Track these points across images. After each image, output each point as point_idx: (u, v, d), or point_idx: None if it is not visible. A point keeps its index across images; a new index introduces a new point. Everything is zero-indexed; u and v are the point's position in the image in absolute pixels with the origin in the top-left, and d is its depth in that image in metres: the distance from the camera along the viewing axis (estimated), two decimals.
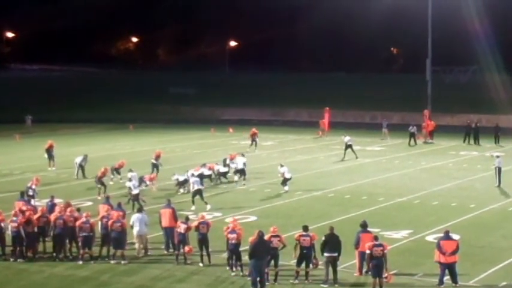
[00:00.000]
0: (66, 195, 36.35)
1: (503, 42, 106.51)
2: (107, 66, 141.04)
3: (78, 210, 28.63)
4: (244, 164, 42.23)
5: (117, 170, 41.96)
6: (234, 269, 25.05)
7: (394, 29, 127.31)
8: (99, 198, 36.14)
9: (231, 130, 64.53)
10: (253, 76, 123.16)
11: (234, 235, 24.90)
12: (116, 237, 26.59)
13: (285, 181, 39.50)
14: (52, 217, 27.39)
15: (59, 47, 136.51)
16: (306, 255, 24.14)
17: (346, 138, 52.08)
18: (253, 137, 56.54)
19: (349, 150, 51.40)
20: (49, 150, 48.55)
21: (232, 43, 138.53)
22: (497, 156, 42.54)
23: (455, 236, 25.34)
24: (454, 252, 23.43)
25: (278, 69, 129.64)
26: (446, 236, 23.90)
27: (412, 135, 60.07)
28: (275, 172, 42.09)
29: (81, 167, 43.74)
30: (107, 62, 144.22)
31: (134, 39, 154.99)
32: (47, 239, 27.69)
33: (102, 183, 38.26)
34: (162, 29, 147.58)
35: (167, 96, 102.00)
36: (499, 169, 41.14)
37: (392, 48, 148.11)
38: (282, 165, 40.33)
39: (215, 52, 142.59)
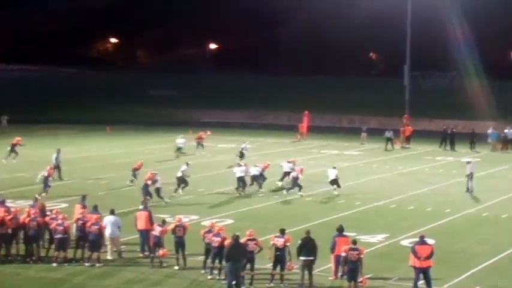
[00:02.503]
0: (43, 196, 36.15)
1: (482, 49, 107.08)
2: (86, 67, 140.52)
3: (50, 211, 28.54)
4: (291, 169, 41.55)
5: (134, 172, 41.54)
6: (214, 272, 25.01)
7: (373, 34, 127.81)
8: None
9: (209, 132, 64.34)
10: (233, 79, 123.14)
11: (219, 239, 24.89)
12: (93, 240, 26.49)
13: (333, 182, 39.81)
14: (26, 219, 27.18)
15: (38, 48, 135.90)
16: (279, 257, 24.18)
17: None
18: (199, 141, 57.35)
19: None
20: (14, 146, 48.91)
21: (213, 46, 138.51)
22: (468, 162, 42.67)
23: (430, 241, 25.48)
24: (428, 257, 23.53)
25: (258, 72, 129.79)
26: (422, 241, 24.01)
27: (388, 140, 60.29)
28: None
29: (58, 167, 43.50)
30: (86, 63, 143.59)
31: (114, 41, 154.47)
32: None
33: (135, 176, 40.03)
34: (142, 30, 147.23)
35: (146, 98, 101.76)
36: (471, 175, 41.34)
37: (371, 53, 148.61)
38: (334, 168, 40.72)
39: (195, 54, 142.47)
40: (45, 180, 38.28)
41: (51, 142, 61.77)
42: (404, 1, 70.01)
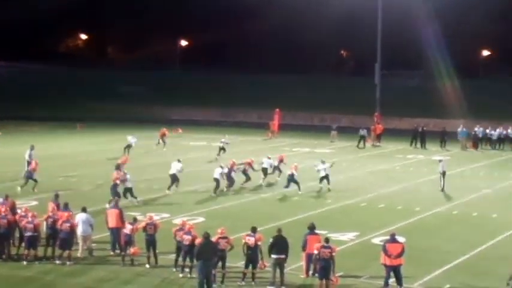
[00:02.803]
0: (12, 194, 35.82)
1: (453, 47, 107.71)
2: (55, 63, 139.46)
3: (20, 209, 28.34)
4: (271, 166, 42.77)
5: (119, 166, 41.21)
6: (185, 270, 24.94)
7: (344, 32, 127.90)
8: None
9: (180, 130, 64.23)
10: (203, 76, 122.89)
11: (189, 237, 24.83)
12: (64, 238, 26.32)
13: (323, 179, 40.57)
14: None
15: (5, 44, 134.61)
16: (250, 256, 24.20)
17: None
18: (162, 138, 57.97)
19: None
20: None
21: (183, 42, 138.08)
22: (440, 161, 42.95)
23: (401, 239, 25.61)
24: (399, 255, 23.65)
25: (228, 69, 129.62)
26: (392, 239, 24.13)
27: (362, 138, 60.64)
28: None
29: (28, 163, 43.14)
30: (55, 59, 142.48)
31: (83, 37, 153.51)
32: None
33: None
34: (112, 26, 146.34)
35: (116, 95, 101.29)
36: (444, 173, 41.60)
37: (342, 51, 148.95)
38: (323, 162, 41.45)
39: (166, 51, 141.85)
40: (30, 174, 39.26)
41: (20, 139, 61.31)
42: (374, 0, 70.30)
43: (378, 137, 63.00)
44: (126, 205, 33.48)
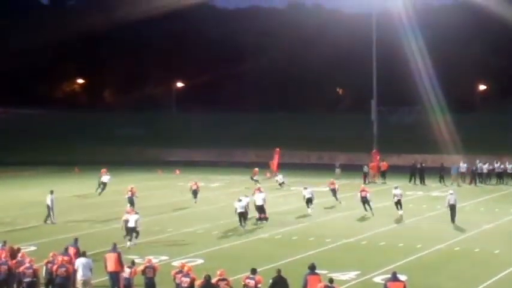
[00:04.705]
0: (11, 239, 35.50)
1: (446, 83, 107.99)
2: (52, 108, 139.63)
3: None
4: (264, 200, 42.77)
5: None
6: None
7: (339, 69, 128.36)
8: None
9: (177, 172, 64.16)
10: (200, 117, 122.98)
11: (188, 279, 24.57)
12: (60, 283, 26.00)
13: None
14: None
15: (2, 89, 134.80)
16: None
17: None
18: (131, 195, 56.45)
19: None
20: None
21: (179, 84, 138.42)
22: (451, 194, 42.93)
23: (402, 277, 25.34)
24: None
25: (225, 109, 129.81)
26: (394, 277, 23.86)
27: (366, 175, 61.24)
28: (223, 214, 41.95)
29: (49, 208, 42.71)
30: (52, 103, 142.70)
31: (80, 81, 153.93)
32: None
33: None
34: (108, 70, 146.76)
35: (113, 138, 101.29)
36: (453, 206, 41.74)
37: (338, 89, 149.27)
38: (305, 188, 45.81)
39: (162, 93, 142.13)
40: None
41: (19, 184, 61.20)
42: (369, 37, 70.63)
43: (383, 174, 63.13)
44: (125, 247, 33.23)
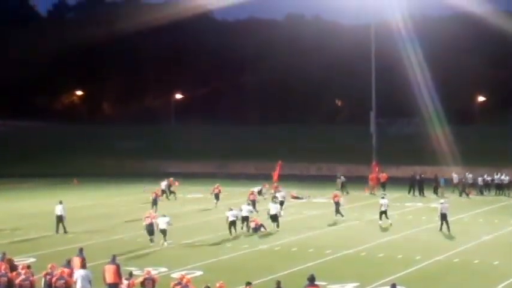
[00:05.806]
0: (11, 251, 35.45)
1: (445, 94, 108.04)
2: (51, 120, 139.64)
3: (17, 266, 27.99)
4: (251, 211, 44.23)
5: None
6: None
7: (338, 81, 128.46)
8: None
9: (177, 183, 64.02)
10: (199, 129, 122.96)
11: None
12: None
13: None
14: None
15: (1, 101, 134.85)
16: None
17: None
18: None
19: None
20: None
21: (178, 96, 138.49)
22: (442, 203, 43.01)
23: None
24: None
25: (223, 121, 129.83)
26: None
27: (343, 184, 63.18)
28: (222, 225, 41.94)
29: (59, 218, 42.70)
30: (51, 115, 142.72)
31: (79, 93, 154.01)
32: None
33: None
34: (106, 82, 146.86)
35: (112, 150, 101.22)
36: (444, 215, 41.83)
37: (337, 100, 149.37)
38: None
39: (161, 105, 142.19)
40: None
41: (18, 196, 61.16)
42: (368, 48, 70.76)
43: (383, 186, 63.14)
44: (124, 258, 33.16)
